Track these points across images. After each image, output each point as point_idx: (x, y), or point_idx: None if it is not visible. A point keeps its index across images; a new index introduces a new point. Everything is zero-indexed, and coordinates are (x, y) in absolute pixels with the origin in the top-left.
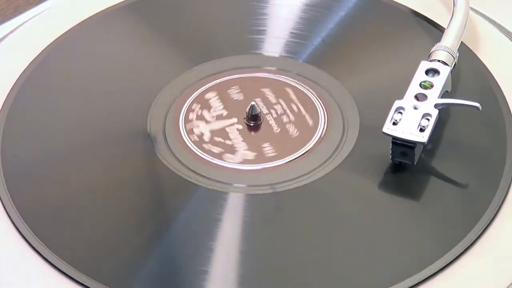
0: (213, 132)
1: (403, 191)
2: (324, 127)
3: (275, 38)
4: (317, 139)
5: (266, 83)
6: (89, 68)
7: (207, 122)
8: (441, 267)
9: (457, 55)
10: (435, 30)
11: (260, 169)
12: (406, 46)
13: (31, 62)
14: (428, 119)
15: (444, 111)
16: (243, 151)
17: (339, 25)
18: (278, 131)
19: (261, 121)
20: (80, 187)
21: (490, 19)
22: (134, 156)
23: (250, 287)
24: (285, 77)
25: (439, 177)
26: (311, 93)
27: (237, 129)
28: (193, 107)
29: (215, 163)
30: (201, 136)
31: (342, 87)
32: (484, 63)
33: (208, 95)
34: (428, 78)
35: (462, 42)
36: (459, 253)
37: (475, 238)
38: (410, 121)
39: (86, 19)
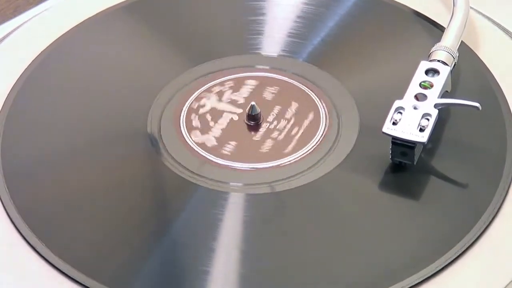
0: (212, 109)
1: (403, 191)
2: (324, 127)
3: (275, 38)
4: (318, 139)
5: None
6: (89, 68)
7: (217, 99)
8: (441, 267)
9: (457, 55)
10: (435, 29)
11: (260, 169)
12: (406, 46)
13: (31, 62)
14: (428, 119)
15: (444, 111)
16: (211, 136)
17: (339, 25)
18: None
19: (261, 121)
20: (80, 187)
21: (490, 19)
22: (134, 156)
23: (251, 287)
24: (285, 77)
25: (439, 177)
26: (312, 93)
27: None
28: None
29: (215, 163)
30: (201, 106)
31: (342, 87)
32: (485, 62)
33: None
34: (428, 78)
35: (462, 42)
36: (459, 253)
37: (475, 238)
38: (410, 121)
39: (86, 19)
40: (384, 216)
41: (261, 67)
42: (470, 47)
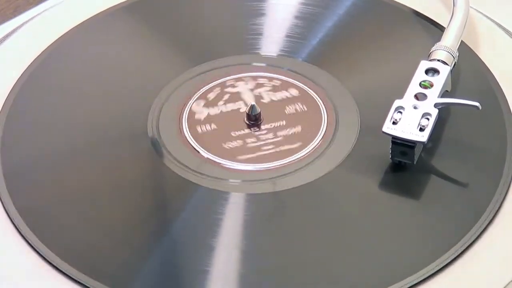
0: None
1: (403, 190)
2: (325, 127)
3: (275, 38)
4: (318, 139)
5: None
6: (89, 69)
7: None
8: (441, 267)
9: (457, 54)
10: (435, 29)
11: (261, 169)
12: (406, 46)
13: (31, 62)
14: (428, 119)
15: (444, 110)
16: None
17: (339, 25)
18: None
19: (261, 121)
20: (80, 187)
21: (490, 18)
22: (134, 156)
23: (251, 286)
24: (286, 76)
25: (439, 176)
26: (312, 92)
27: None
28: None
29: (215, 162)
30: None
31: (342, 87)
32: (485, 62)
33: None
34: (428, 78)
35: (462, 41)
36: (459, 253)
37: (475, 238)
38: (410, 121)
39: (87, 19)
40: (384, 216)
41: (261, 66)
42: (470, 47)
